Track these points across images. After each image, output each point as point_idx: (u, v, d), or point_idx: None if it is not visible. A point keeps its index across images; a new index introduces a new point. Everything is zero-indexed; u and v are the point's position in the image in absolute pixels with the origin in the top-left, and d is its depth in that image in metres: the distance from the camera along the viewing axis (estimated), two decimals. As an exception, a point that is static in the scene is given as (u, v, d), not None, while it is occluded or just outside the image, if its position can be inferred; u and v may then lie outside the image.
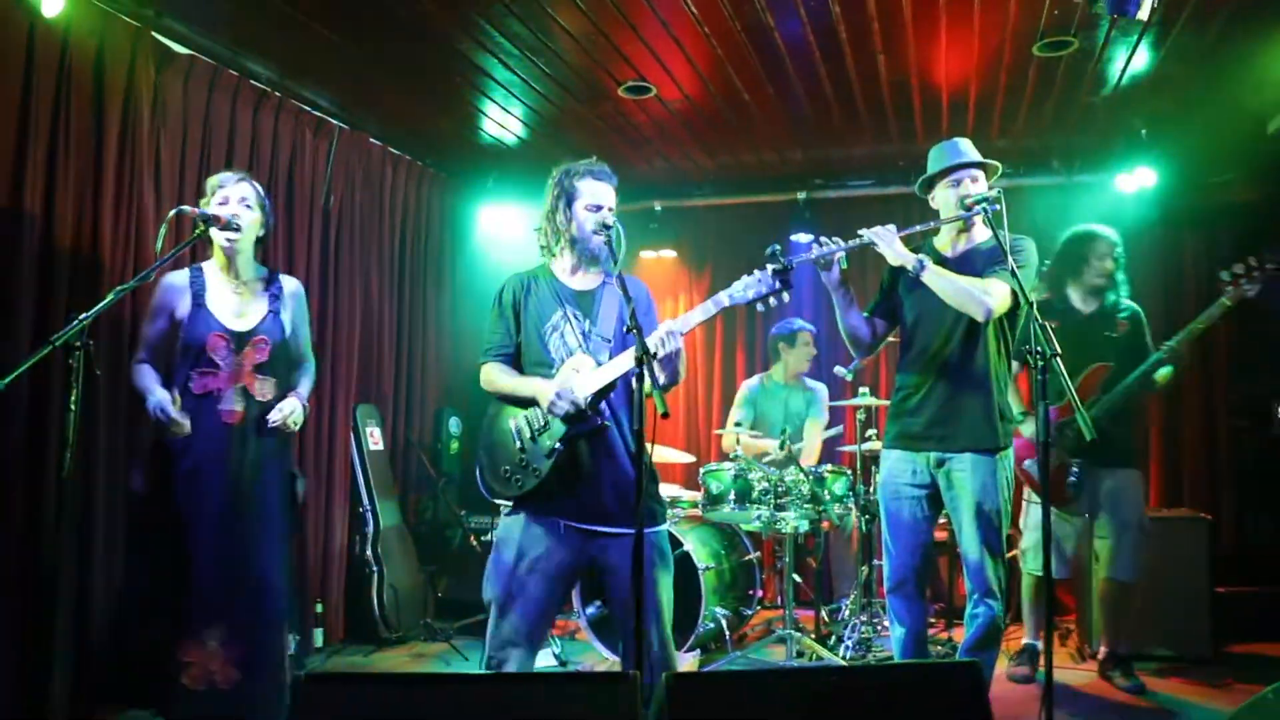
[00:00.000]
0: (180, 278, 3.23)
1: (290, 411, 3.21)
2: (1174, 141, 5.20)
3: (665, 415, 2.33)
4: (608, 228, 2.84)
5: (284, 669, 3.20)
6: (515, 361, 2.95)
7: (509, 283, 3.01)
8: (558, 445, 2.76)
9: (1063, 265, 4.17)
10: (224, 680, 3.05)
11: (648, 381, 2.42)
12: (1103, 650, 4.22)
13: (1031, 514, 4.21)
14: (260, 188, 3.31)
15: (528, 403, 2.84)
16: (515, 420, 2.86)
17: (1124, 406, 3.97)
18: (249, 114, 4.45)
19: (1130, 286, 4.19)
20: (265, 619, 3.14)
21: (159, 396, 3.06)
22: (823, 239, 3.21)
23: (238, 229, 3.17)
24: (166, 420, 3.02)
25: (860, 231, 3.19)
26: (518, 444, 2.83)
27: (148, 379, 3.15)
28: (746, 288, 2.73)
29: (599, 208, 2.90)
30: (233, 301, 3.22)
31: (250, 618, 3.10)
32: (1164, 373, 3.96)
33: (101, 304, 2.65)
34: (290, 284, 3.39)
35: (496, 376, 2.93)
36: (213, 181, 3.27)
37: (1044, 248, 3.37)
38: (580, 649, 4.77)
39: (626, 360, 2.74)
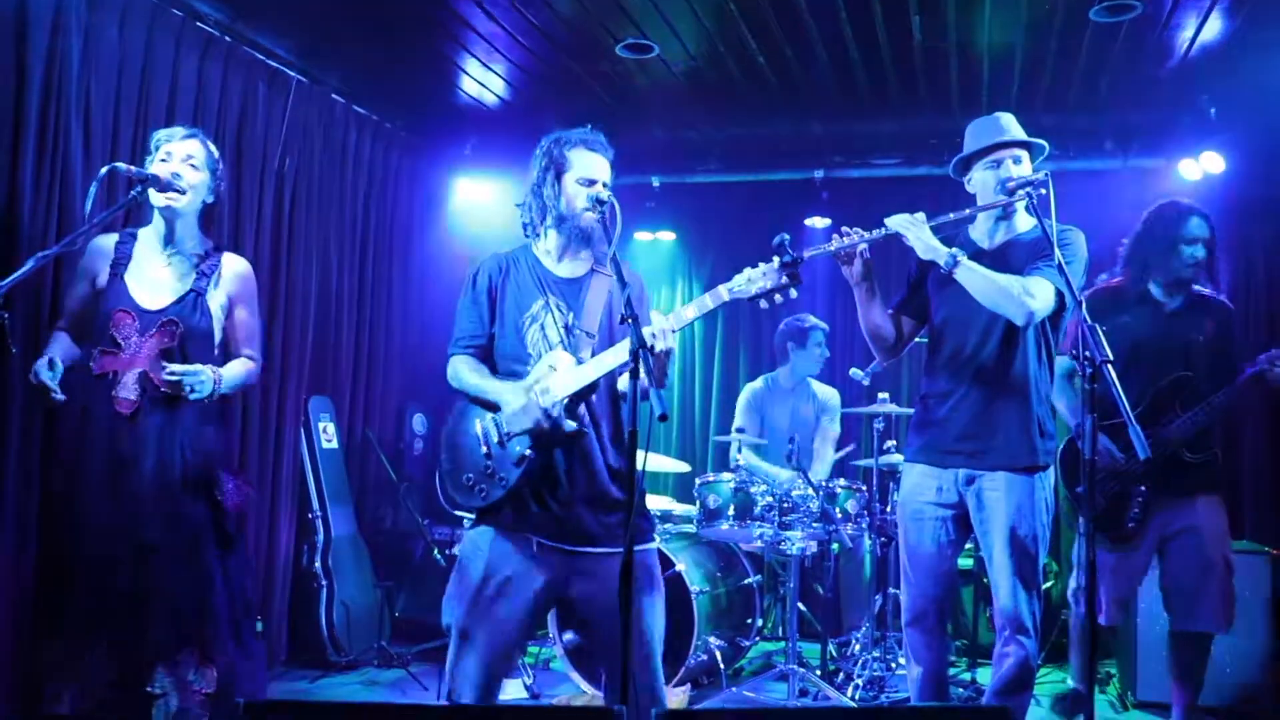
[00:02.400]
0: (107, 242, 3.23)
1: (187, 373, 3.06)
2: (1248, 123, 5.20)
3: (664, 417, 2.32)
4: (602, 203, 2.84)
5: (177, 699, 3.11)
6: (488, 355, 2.94)
7: (485, 264, 3.00)
8: (528, 452, 2.75)
9: (1146, 248, 3.85)
10: (88, 703, 2.99)
11: (642, 377, 2.41)
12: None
13: (1081, 546, 4.03)
14: (213, 148, 3.31)
15: (494, 406, 2.84)
16: (483, 421, 2.85)
17: (1207, 427, 3.76)
18: (194, 61, 4.42)
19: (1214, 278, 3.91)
20: (152, 641, 3.04)
21: (44, 358, 3.02)
22: (843, 228, 3.21)
23: (181, 191, 3.16)
24: (35, 381, 2.96)
25: (885, 221, 3.19)
26: (484, 448, 2.82)
27: (54, 346, 3.13)
28: (750, 281, 2.72)
29: (592, 183, 2.89)
30: (156, 276, 3.20)
31: (130, 638, 3.03)
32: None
33: (19, 272, 2.64)
34: (234, 264, 3.35)
35: (463, 372, 2.92)
36: (159, 136, 3.27)
37: (1094, 239, 3.35)
38: (555, 680, 4.77)
39: (611, 358, 2.74)
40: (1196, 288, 3.85)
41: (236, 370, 3.30)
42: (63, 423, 3.14)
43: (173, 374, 3.06)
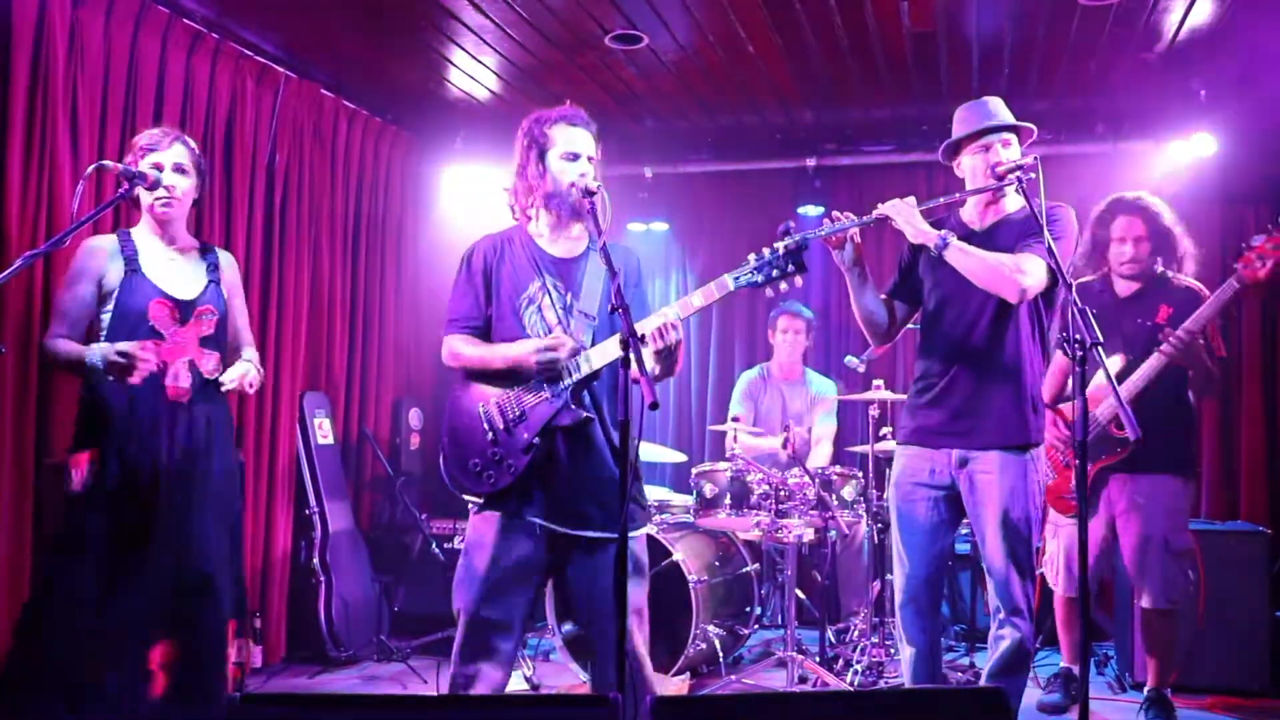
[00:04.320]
0: (108, 241, 3.23)
1: (245, 372, 3.24)
2: (1238, 104, 5.21)
3: (654, 405, 2.32)
4: (591, 193, 2.83)
5: (224, 683, 3.21)
6: (485, 337, 2.94)
7: (479, 244, 2.99)
8: (535, 439, 2.77)
9: (1093, 243, 4.07)
10: (150, 701, 3.04)
11: (633, 367, 2.41)
12: (1146, 688, 4.07)
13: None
14: (195, 145, 3.32)
15: (500, 379, 2.84)
16: (485, 405, 2.85)
17: (1143, 406, 3.70)
18: (182, 57, 4.40)
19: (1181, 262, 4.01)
20: (208, 625, 3.16)
21: (101, 347, 3.03)
22: (835, 213, 3.22)
23: (173, 200, 3.20)
24: (126, 360, 2.94)
25: (877, 206, 3.20)
26: (489, 434, 2.82)
27: (73, 346, 3.12)
28: (754, 270, 2.73)
29: (576, 156, 2.88)
30: (171, 268, 3.26)
31: (192, 624, 3.13)
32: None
33: (8, 271, 2.63)
34: (227, 258, 3.46)
35: (462, 348, 2.92)
36: (141, 140, 3.25)
37: (1086, 224, 3.35)
38: (555, 671, 4.78)
39: (615, 348, 2.74)
40: (1160, 270, 3.99)
41: (257, 356, 3.47)
42: (114, 418, 3.12)
43: (234, 380, 3.20)
